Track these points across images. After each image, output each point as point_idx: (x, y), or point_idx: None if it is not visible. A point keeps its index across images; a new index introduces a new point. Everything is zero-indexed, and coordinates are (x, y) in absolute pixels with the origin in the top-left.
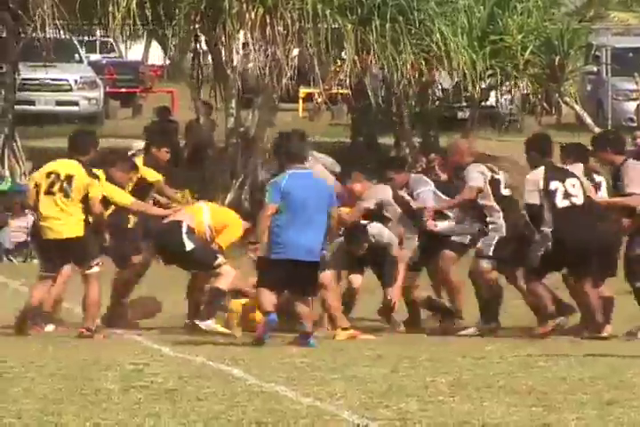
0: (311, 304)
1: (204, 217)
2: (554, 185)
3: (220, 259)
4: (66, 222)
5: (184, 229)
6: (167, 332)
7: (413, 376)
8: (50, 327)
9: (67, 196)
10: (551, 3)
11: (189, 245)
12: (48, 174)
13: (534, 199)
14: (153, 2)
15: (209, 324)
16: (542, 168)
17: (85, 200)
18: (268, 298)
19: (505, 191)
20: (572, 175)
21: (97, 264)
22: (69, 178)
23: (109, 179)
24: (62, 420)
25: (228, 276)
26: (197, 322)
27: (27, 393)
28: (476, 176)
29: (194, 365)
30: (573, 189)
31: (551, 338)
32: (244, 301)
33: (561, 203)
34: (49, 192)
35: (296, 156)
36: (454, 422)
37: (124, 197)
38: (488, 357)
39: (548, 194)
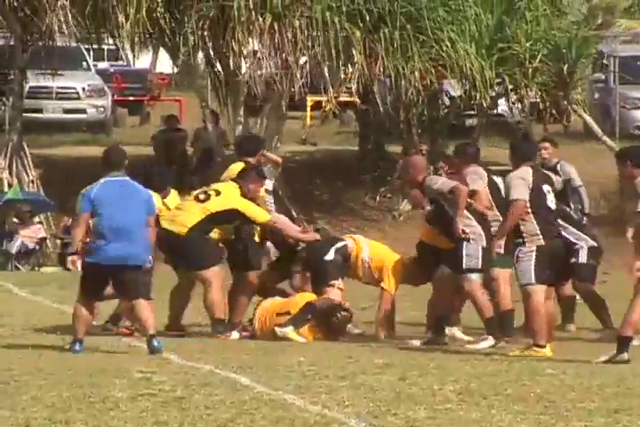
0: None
1: (364, 248)
2: None
3: (339, 282)
4: None
5: (339, 244)
6: (175, 339)
7: (421, 384)
8: (235, 335)
9: None
10: (558, 11)
11: (330, 256)
12: None
13: None
14: (162, 10)
15: (286, 331)
16: None
17: None
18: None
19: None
20: None
21: None
22: None
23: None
24: None
25: (332, 295)
26: (277, 328)
27: (34, 401)
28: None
29: (201, 373)
30: None
31: (558, 346)
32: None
33: None
34: None
35: (113, 164)
36: None
37: (261, 214)
38: (496, 365)
39: None
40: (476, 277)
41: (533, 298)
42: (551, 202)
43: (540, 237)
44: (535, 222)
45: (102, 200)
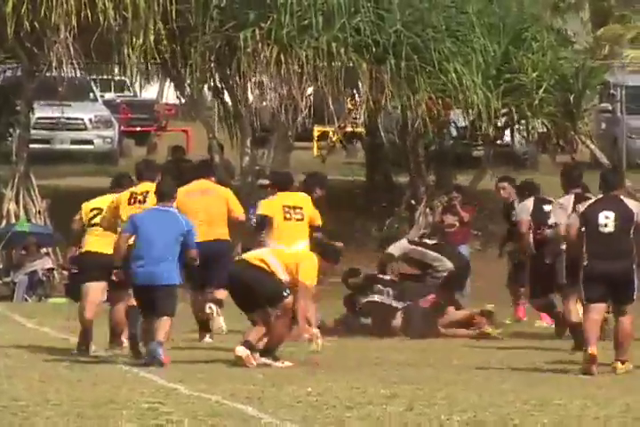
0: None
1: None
2: None
3: None
4: None
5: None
6: (182, 370)
7: (429, 415)
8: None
9: None
10: (563, 41)
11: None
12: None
13: None
14: (168, 41)
15: None
16: None
17: None
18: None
19: None
20: None
21: None
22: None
23: None
24: None
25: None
26: None
27: None
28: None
29: (209, 403)
30: None
31: (566, 376)
32: None
33: None
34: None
35: (164, 194)
36: None
37: None
38: (503, 395)
39: None
40: None
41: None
42: (604, 226)
43: (586, 259)
44: (585, 245)
45: (140, 225)
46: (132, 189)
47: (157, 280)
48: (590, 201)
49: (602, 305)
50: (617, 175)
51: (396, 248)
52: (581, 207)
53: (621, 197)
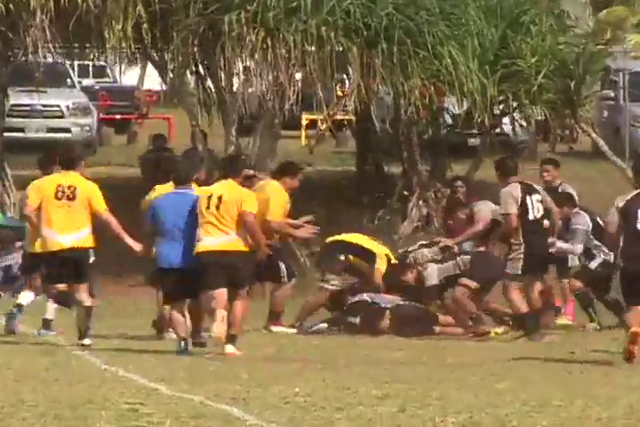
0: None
1: None
2: None
3: None
4: None
5: None
6: (163, 369)
7: (422, 416)
8: None
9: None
10: (563, 25)
11: None
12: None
13: None
14: (149, 25)
15: None
16: None
17: None
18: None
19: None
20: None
21: None
22: None
23: None
24: None
25: None
26: None
27: None
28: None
29: (192, 404)
30: None
31: (566, 375)
32: None
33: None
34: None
35: (181, 178)
36: None
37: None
38: (500, 395)
39: None
40: None
41: None
42: None
43: (622, 260)
44: (622, 246)
45: (159, 212)
46: (56, 179)
47: (181, 263)
48: (628, 197)
49: None
50: None
51: (434, 275)
52: (619, 203)
53: None
